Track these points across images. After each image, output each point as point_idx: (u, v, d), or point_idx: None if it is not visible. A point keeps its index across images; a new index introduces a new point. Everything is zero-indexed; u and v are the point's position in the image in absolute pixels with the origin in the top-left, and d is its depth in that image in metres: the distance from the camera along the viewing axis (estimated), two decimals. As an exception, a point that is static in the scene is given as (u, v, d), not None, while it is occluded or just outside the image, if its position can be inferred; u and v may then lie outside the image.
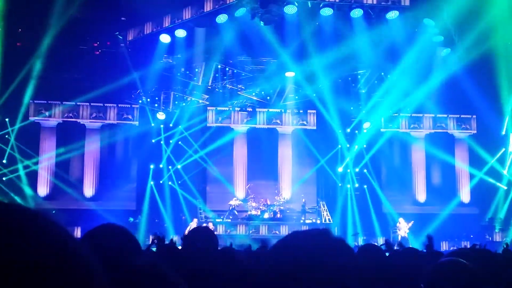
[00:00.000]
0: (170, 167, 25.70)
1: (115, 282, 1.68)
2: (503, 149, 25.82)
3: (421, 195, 26.47)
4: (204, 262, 3.35)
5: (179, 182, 25.74)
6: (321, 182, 27.31)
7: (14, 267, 0.77)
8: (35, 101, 24.53)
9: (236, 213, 24.79)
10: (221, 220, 24.70)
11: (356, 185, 26.50)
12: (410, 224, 23.14)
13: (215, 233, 4.89)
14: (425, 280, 2.69)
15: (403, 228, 23.36)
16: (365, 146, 26.64)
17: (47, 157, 24.77)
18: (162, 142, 25.73)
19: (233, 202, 25.01)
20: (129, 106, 25.71)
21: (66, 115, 25.08)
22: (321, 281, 1.39)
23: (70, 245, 0.87)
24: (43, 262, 0.81)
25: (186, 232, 8.36)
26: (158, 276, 1.77)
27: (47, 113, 24.77)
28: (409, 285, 3.36)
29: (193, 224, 21.92)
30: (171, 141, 25.90)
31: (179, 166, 25.84)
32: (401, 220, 23.59)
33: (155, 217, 24.83)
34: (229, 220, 24.50)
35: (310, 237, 1.52)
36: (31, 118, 24.62)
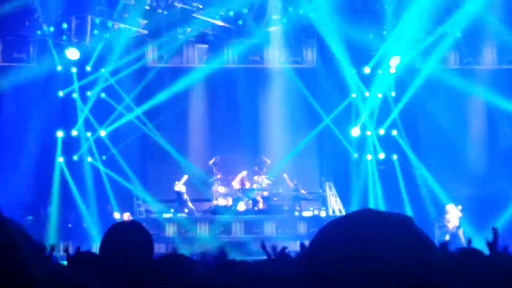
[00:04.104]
0: (89, 134, 21.73)
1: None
2: None
3: (480, 168, 22.36)
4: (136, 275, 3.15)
5: (104, 157, 21.84)
6: (325, 153, 23.32)
7: None
8: None
9: (190, 203, 21.14)
10: (171, 214, 20.96)
11: (381, 155, 22.43)
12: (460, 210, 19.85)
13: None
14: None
15: (452, 220, 19.77)
16: (393, 94, 22.34)
17: None
18: (75, 94, 21.56)
19: (177, 187, 21.39)
20: (22, 39, 21.76)
21: None
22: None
23: None
24: None
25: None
26: None
27: None
28: None
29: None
30: (89, 93, 21.63)
31: (103, 133, 21.77)
32: (449, 207, 19.86)
33: (67, 212, 21.09)
34: (184, 215, 20.96)
35: (390, 226, 1.51)
36: None
